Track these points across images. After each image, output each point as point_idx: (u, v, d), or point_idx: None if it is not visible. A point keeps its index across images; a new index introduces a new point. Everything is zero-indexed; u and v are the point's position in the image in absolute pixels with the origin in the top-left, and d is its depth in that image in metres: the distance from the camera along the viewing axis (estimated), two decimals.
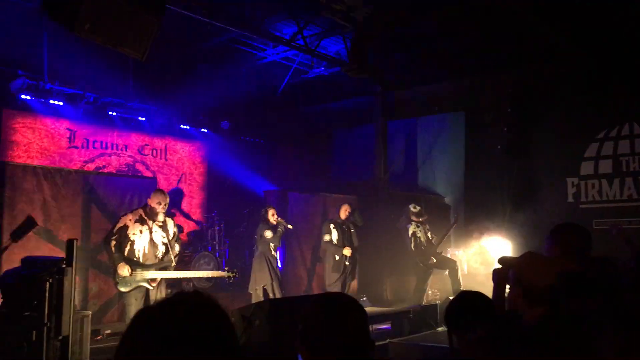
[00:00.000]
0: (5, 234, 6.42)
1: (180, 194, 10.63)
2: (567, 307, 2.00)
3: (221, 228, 10.43)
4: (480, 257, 9.59)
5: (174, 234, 6.44)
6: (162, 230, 6.24)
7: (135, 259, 6.03)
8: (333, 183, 11.72)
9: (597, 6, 7.93)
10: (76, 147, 9.93)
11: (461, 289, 8.63)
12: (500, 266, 2.90)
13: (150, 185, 8.45)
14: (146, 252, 6.09)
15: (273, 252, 8.04)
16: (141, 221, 6.14)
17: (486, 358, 2.22)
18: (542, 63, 9.81)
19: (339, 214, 8.81)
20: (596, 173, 10.06)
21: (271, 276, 7.88)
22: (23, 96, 9.14)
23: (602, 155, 10.01)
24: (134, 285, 6.00)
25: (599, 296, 2.07)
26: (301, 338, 1.74)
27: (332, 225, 8.61)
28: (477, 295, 2.67)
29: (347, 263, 8.57)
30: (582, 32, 8.41)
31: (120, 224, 6.09)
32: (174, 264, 6.39)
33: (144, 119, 10.89)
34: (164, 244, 6.24)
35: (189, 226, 11.14)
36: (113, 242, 5.95)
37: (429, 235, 9.17)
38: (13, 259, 6.26)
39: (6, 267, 6.06)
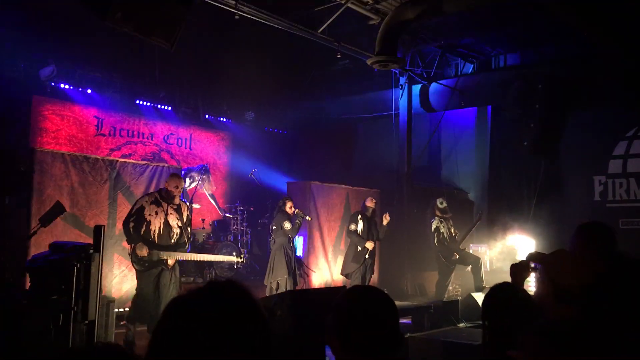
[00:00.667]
0: (34, 219, 6.54)
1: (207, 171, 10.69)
2: (601, 308, 1.97)
3: (244, 218, 10.49)
4: (503, 253, 9.51)
5: (187, 218, 6.67)
6: (177, 213, 6.47)
7: (150, 239, 6.25)
8: (356, 175, 11.69)
9: (631, 2, 7.76)
10: (103, 135, 10.06)
11: (483, 285, 8.58)
12: (518, 260, 2.87)
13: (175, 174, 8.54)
14: (161, 232, 6.31)
15: (291, 244, 8.02)
16: (157, 203, 6.37)
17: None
18: (573, 59, 9.65)
19: (366, 205, 8.78)
20: (624, 171, 9.87)
21: (288, 271, 7.81)
22: (53, 83, 9.28)
23: (631, 153, 9.82)
24: (149, 265, 6.20)
25: (630, 297, 2.04)
26: (332, 330, 1.74)
27: (359, 217, 8.61)
28: (517, 289, 2.64)
29: (367, 256, 8.56)
30: (615, 29, 8.24)
31: (137, 206, 6.34)
32: (187, 247, 6.65)
33: (169, 108, 10.98)
34: (179, 226, 6.47)
35: (211, 215, 11.23)
36: (132, 224, 6.17)
37: (452, 231, 9.12)
38: (41, 244, 6.39)
39: (34, 251, 6.18)
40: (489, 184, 11.35)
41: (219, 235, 10.13)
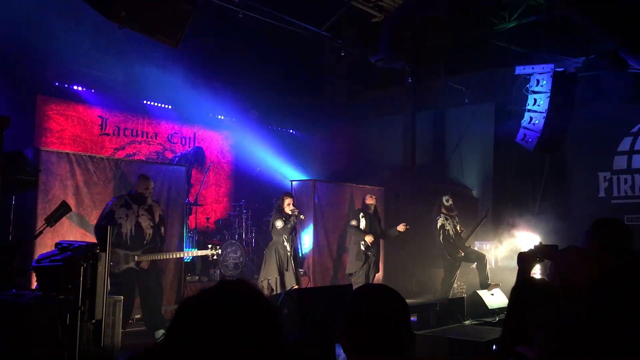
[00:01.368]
0: (40, 218, 6.56)
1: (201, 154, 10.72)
2: (610, 304, 1.97)
3: (248, 217, 10.49)
4: (508, 251, 9.50)
5: (160, 217, 6.76)
6: (148, 213, 6.57)
7: (122, 242, 6.35)
8: (360, 173, 11.68)
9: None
10: (107, 135, 10.07)
11: (489, 282, 8.57)
12: (526, 250, 2.86)
13: (179, 173, 8.56)
14: (133, 234, 6.43)
15: (285, 243, 7.67)
16: (127, 206, 6.48)
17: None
18: (578, 55, 9.62)
19: (366, 203, 8.76)
20: (629, 168, 9.85)
21: (278, 270, 7.58)
22: (57, 83, 9.29)
23: (636, 149, 9.80)
24: (123, 268, 6.33)
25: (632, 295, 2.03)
26: (343, 329, 1.74)
27: (361, 214, 8.60)
28: (544, 283, 2.63)
29: (369, 253, 8.54)
30: (618, 25, 8.20)
31: (107, 210, 6.45)
32: (160, 246, 6.75)
33: (173, 107, 10.99)
34: (151, 227, 6.58)
35: (216, 215, 11.25)
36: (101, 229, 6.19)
37: (458, 228, 9.11)
38: (46, 243, 6.41)
39: (39, 250, 6.20)
40: (494, 181, 11.32)
41: (223, 234, 10.14)
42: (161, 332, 6.57)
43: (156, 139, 10.82)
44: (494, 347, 5.59)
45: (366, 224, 8.56)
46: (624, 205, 9.80)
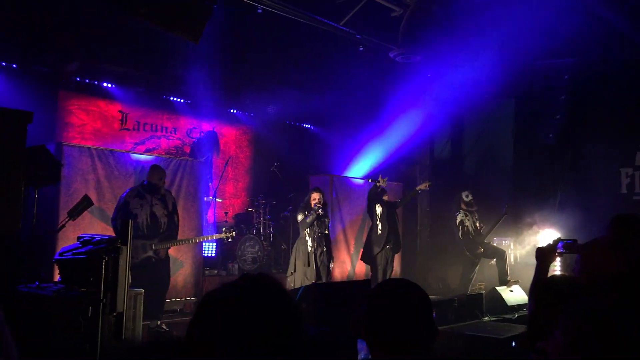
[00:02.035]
0: (62, 212, 6.65)
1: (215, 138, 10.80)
2: (637, 295, 1.95)
3: (266, 211, 10.54)
4: (527, 247, 9.42)
5: (173, 205, 6.88)
6: (162, 203, 6.68)
7: (139, 232, 6.45)
8: (379, 169, 11.65)
9: None
10: (128, 130, 10.17)
11: (508, 279, 8.52)
12: (544, 245, 2.84)
13: (198, 167, 8.62)
14: (149, 223, 6.55)
15: (307, 238, 7.54)
16: (140, 196, 6.58)
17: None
18: (600, 50, 9.47)
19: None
20: None
21: (303, 264, 7.50)
22: (78, 79, 9.39)
23: None
24: (142, 257, 6.44)
25: None
26: (366, 323, 1.74)
27: (379, 204, 8.60)
28: (567, 279, 2.61)
29: (388, 246, 8.53)
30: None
31: (121, 202, 6.55)
32: (175, 233, 6.86)
33: (192, 102, 11.05)
34: (165, 215, 6.70)
35: (234, 209, 11.31)
36: (119, 221, 6.30)
37: (478, 224, 9.06)
38: (68, 236, 6.50)
39: (62, 244, 6.30)
40: (513, 177, 11.22)
41: (241, 228, 10.19)
42: (157, 322, 6.61)
43: (175, 133, 10.90)
44: (513, 343, 5.56)
45: (382, 212, 8.59)
46: None
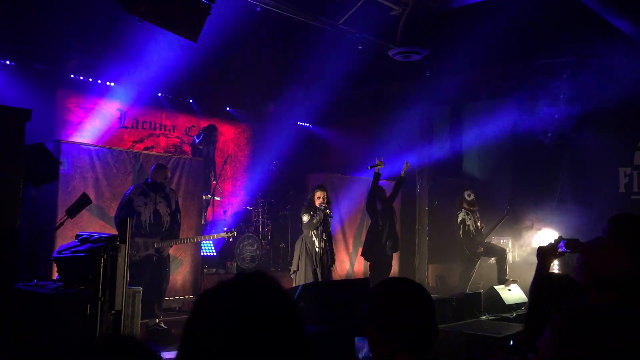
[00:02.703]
0: (60, 210, 6.65)
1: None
2: (636, 295, 1.96)
3: (265, 210, 10.54)
4: (526, 246, 9.44)
5: (176, 204, 6.89)
6: (165, 201, 6.70)
7: (142, 230, 6.46)
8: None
9: None
10: (126, 128, 10.16)
11: (506, 278, 8.53)
12: (545, 244, 2.84)
13: (197, 166, 8.62)
14: (152, 221, 6.56)
15: (314, 239, 7.30)
16: (144, 194, 6.60)
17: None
18: (600, 48, 9.48)
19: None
20: None
21: (305, 265, 7.27)
22: (77, 76, 9.38)
23: None
24: (143, 255, 6.45)
25: None
26: (368, 320, 1.74)
27: (379, 201, 8.59)
28: (564, 277, 2.62)
29: (387, 243, 8.53)
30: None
31: (125, 199, 6.54)
32: (177, 232, 6.86)
33: (191, 100, 11.04)
34: (168, 213, 6.71)
35: (233, 208, 11.30)
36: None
37: (479, 224, 9.09)
38: (66, 234, 6.50)
39: (60, 242, 6.29)
40: (512, 176, 11.24)
41: (240, 227, 10.20)
42: (155, 321, 6.61)
43: (174, 132, 10.90)
44: (511, 342, 5.57)
45: (383, 208, 8.58)
46: None
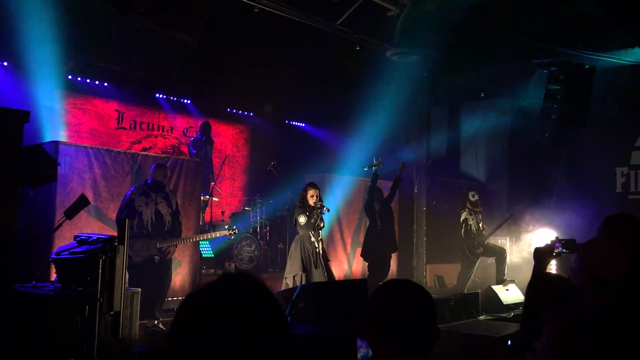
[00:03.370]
0: (58, 211, 6.65)
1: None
2: (635, 295, 1.97)
3: (262, 211, 10.54)
4: (523, 246, 9.46)
5: (176, 204, 6.90)
6: (166, 201, 6.71)
7: (144, 231, 6.46)
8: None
9: None
10: (124, 129, 10.16)
11: (504, 278, 8.55)
12: (542, 245, 2.86)
13: (195, 167, 8.62)
14: (154, 221, 6.55)
15: (312, 239, 7.09)
16: (145, 194, 6.60)
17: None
18: (595, 49, 9.50)
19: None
20: None
21: (303, 266, 7.09)
22: (74, 78, 9.37)
23: None
24: (145, 255, 6.44)
25: None
26: (368, 322, 1.75)
27: (377, 202, 8.62)
28: (559, 278, 2.63)
29: (385, 244, 8.57)
30: (633, 19, 8.10)
31: (127, 199, 6.54)
32: (178, 231, 6.88)
33: (188, 101, 11.05)
34: (170, 213, 6.72)
35: (231, 208, 11.31)
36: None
37: (481, 225, 9.16)
38: (64, 236, 6.49)
39: (58, 243, 6.29)
40: (509, 176, 11.26)
41: (238, 227, 10.19)
42: (154, 322, 6.60)
43: (172, 132, 10.90)
44: (509, 342, 5.59)
45: (382, 210, 8.62)
46: None
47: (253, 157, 12.14)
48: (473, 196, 9.16)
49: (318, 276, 7.02)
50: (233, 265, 9.26)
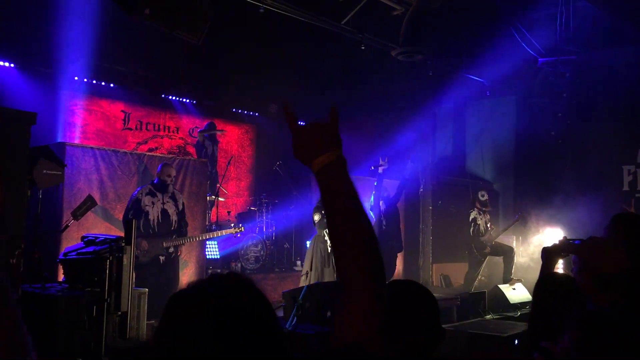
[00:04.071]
0: (65, 212, 6.68)
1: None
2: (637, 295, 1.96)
3: (268, 210, 10.54)
4: (530, 245, 9.44)
5: (183, 205, 6.93)
6: (173, 201, 6.74)
7: (150, 231, 6.48)
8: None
9: None
10: (130, 129, 10.19)
11: (511, 277, 8.54)
12: (549, 245, 2.85)
13: (201, 167, 8.64)
14: (160, 221, 6.59)
15: (325, 237, 7.25)
16: (152, 194, 6.64)
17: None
18: (602, 48, 9.47)
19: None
20: None
21: (314, 265, 7.35)
22: (81, 79, 9.41)
23: None
24: (152, 255, 6.46)
25: None
26: None
27: (382, 201, 8.61)
28: (569, 278, 2.62)
29: (390, 244, 8.56)
30: None
31: (133, 199, 6.58)
32: (185, 231, 6.91)
33: (194, 102, 11.07)
34: (176, 213, 6.76)
35: (237, 208, 11.33)
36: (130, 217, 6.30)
37: (489, 225, 9.17)
38: (71, 236, 6.53)
39: (66, 244, 6.32)
40: (515, 175, 11.23)
41: (245, 227, 10.19)
42: None
43: (178, 133, 10.92)
44: (516, 341, 5.58)
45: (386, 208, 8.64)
46: None
47: (259, 157, 12.15)
48: (482, 196, 9.20)
49: (328, 275, 7.22)
50: (239, 265, 9.27)
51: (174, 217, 6.74)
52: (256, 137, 12.23)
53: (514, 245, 9.67)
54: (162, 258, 6.60)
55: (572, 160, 10.07)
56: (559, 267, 7.73)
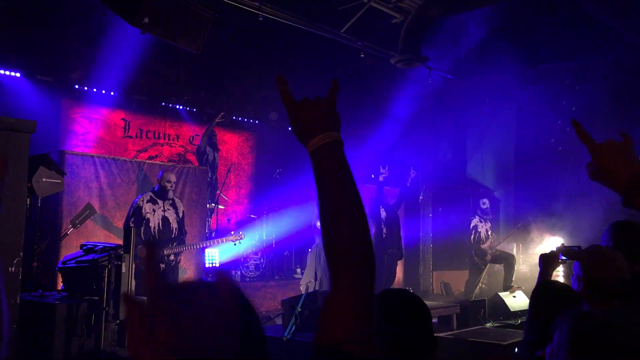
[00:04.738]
0: (65, 220, 6.68)
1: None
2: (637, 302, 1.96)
3: (269, 218, 10.53)
4: (530, 253, 9.43)
5: (183, 212, 6.93)
6: (173, 208, 6.74)
7: (151, 238, 6.45)
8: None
9: None
10: (130, 137, 10.20)
11: (511, 285, 8.52)
12: (547, 251, 2.84)
13: (201, 175, 8.65)
14: (161, 228, 6.57)
15: None
16: (153, 201, 6.62)
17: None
18: (603, 53, 9.49)
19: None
20: None
21: (316, 274, 7.43)
22: (80, 87, 9.43)
23: None
24: None
25: None
26: None
27: (383, 209, 8.61)
28: (563, 286, 2.61)
29: (390, 251, 8.54)
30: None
31: (134, 206, 6.56)
32: (184, 238, 6.90)
33: (194, 109, 11.08)
34: (177, 220, 6.74)
35: (237, 216, 11.31)
36: (131, 225, 6.28)
37: (490, 233, 9.17)
38: (71, 244, 6.53)
39: (65, 252, 6.31)
40: (515, 183, 11.23)
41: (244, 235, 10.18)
42: None
43: (178, 141, 10.93)
44: (516, 349, 5.56)
45: (385, 216, 8.62)
46: None
47: (259, 164, 12.15)
48: (484, 204, 9.22)
49: (317, 286, 7.27)
50: (239, 273, 9.26)
51: (174, 225, 6.73)
52: (256, 145, 12.23)
53: (514, 253, 9.66)
54: (162, 266, 6.59)
55: (573, 166, 10.07)
56: (560, 275, 7.74)
